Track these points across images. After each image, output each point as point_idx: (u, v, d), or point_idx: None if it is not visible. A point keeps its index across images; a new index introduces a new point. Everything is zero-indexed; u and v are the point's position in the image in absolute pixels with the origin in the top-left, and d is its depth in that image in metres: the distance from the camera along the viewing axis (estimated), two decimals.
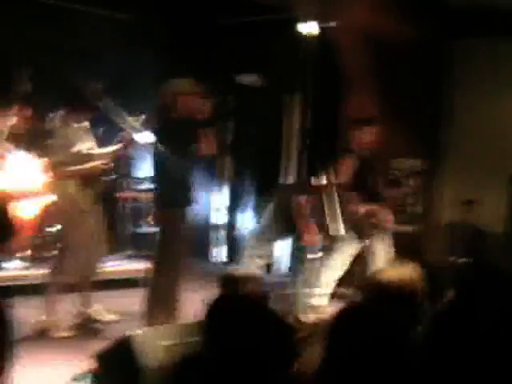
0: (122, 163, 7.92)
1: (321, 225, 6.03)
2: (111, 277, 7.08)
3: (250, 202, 9.31)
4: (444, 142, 8.65)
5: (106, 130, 6.00)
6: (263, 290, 3.95)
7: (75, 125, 5.79)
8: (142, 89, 7.62)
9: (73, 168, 5.73)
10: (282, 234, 6.67)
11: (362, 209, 6.12)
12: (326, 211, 5.84)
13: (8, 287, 6.32)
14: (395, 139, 7.93)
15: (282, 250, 8.42)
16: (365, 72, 7.81)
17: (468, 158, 8.35)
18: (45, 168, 6.62)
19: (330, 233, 6.02)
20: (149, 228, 7.96)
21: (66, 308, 6.01)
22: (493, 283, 2.56)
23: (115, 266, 7.56)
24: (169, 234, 5.74)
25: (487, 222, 7.82)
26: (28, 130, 7.00)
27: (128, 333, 3.23)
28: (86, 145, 5.84)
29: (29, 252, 7.05)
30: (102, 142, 5.98)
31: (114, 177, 6.42)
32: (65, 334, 5.77)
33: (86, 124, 5.87)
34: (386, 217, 6.08)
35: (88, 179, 5.80)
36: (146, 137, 5.72)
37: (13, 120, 6.67)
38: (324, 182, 5.80)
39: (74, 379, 4.10)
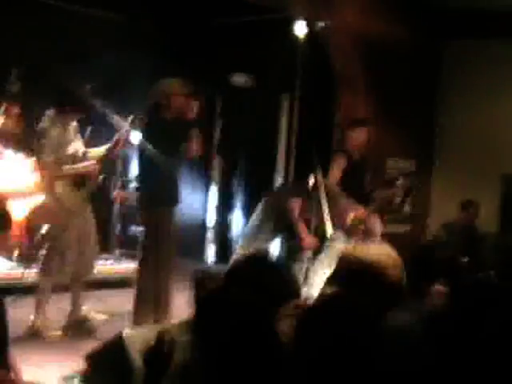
0: (114, 163, 7.92)
1: (309, 224, 6.04)
2: (102, 277, 7.06)
3: (241, 202, 9.30)
4: (436, 142, 8.68)
5: (93, 131, 5.98)
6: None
7: (64, 125, 5.77)
8: (132, 89, 7.62)
9: (64, 168, 5.70)
10: (272, 234, 6.67)
11: (351, 215, 6.13)
12: (315, 211, 5.84)
13: None
14: (388, 140, 7.95)
15: (272, 250, 8.41)
16: (358, 73, 7.82)
17: (460, 158, 8.39)
18: (34, 168, 6.60)
19: (319, 233, 6.03)
20: (139, 228, 7.93)
21: (57, 308, 5.98)
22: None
23: (106, 265, 7.55)
24: (154, 233, 5.74)
25: (479, 221, 7.84)
26: (17, 129, 6.98)
27: (119, 333, 3.21)
28: (75, 145, 5.81)
29: (16, 252, 7.02)
30: (89, 143, 5.97)
31: (104, 177, 6.40)
32: (56, 334, 5.75)
33: (74, 124, 5.85)
34: (375, 223, 6.09)
35: (77, 179, 5.78)
36: (137, 137, 5.72)
37: (1, 119, 6.65)
38: (314, 182, 5.79)
39: (64, 380, 4.08)
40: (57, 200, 5.76)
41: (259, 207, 6.62)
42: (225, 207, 9.48)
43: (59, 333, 5.79)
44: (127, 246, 8.04)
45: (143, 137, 5.66)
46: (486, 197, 7.89)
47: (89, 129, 5.97)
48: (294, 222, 6.24)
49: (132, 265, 7.01)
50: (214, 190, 9.57)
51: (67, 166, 5.71)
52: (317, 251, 6.17)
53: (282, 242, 7.88)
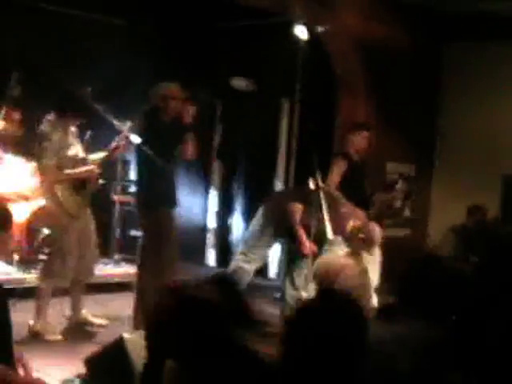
0: (114, 167, 7.93)
1: (309, 230, 6.04)
2: (102, 281, 7.06)
3: (241, 205, 9.30)
4: (436, 145, 8.69)
5: (93, 135, 5.99)
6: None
7: (65, 129, 5.77)
8: (131, 93, 7.62)
9: (65, 172, 5.71)
10: (273, 238, 6.67)
11: (350, 224, 6.13)
12: (315, 215, 5.84)
13: None
14: (388, 143, 7.96)
15: (272, 254, 8.41)
16: (358, 77, 7.82)
17: (460, 162, 8.39)
18: (35, 172, 6.60)
19: (318, 237, 6.03)
20: (139, 232, 7.93)
21: (57, 312, 5.98)
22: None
23: (106, 269, 7.54)
24: (153, 235, 5.76)
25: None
26: (17, 133, 6.98)
27: (119, 337, 3.21)
28: (74, 150, 5.82)
29: (17, 256, 7.01)
30: (88, 147, 5.98)
31: (105, 181, 6.41)
32: (56, 337, 5.75)
33: (73, 129, 5.85)
34: (374, 231, 6.09)
35: (77, 183, 5.78)
36: (136, 140, 5.75)
37: (1, 124, 6.66)
38: (314, 186, 5.80)
39: (64, 383, 4.07)
40: (57, 203, 5.76)
41: (259, 212, 6.62)
42: (225, 211, 9.47)
43: (59, 336, 5.78)
44: (127, 250, 8.04)
45: (141, 139, 5.70)
46: (486, 199, 7.89)
47: (88, 133, 5.98)
48: (295, 226, 6.25)
49: (132, 269, 7.02)
50: (214, 194, 9.57)
51: (68, 170, 5.71)
52: (316, 256, 6.16)
53: (282, 247, 7.89)
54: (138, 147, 5.75)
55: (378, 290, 5.93)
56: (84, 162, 5.84)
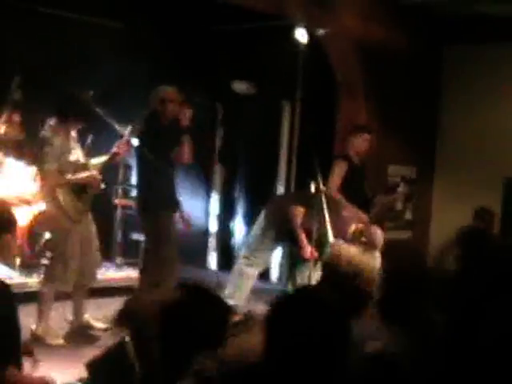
0: (116, 171, 7.93)
1: (310, 234, 6.04)
2: (104, 284, 7.05)
3: (243, 209, 9.30)
4: (437, 148, 8.68)
5: (94, 140, 6.00)
6: None
7: (66, 134, 5.77)
8: (131, 97, 7.61)
9: (67, 176, 5.71)
10: (275, 242, 6.67)
11: (352, 227, 6.13)
12: (316, 218, 5.84)
13: None
14: (389, 146, 7.95)
15: (273, 257, 8.41)
16: (358, 79, 7.82)
17: (461, 164, 8.39)
18: (35, 176, 6.60)
19: (319, 239, 6.03)
20: (141, 235, 7.94)
21: (60, 316, 5.97)
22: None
23: (108, 273, 7.54)
24: (154, 238, 5.76)
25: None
26: (19, 137, 6.99)
27: (120, 340, 3.21)
28: (75, 155, 5.82)
29: (18, 260, 7.00)
30: (90, 152, 5.99)
31: (106, 185, 6.41)
32: (58, 341, 5.75)
33: (74, 134, 5.86)
34: (375, 234, 6.09)
35: (78, 187, 5.78)
36: (136, 143, 5.77)
37: (2, 128, 6.66)
38: (315, 189, 5.80)
39: None
40: (58, 208, 5.76)
41: (261, 215, 6.62)
42: (226, 214, 9.47)
43: (61, 340, 5.78)
44: (129, 254, 8.04)
45: (140, 141, 5.72)
46: (487, 201, 7.87)
47: (89, 138, 5.98)
48: (296, 230, 6.25)
49: (134, 273, 7.01)
50: (215, 198, 9.57)
51: (69, 175, 5.71)
52: (317, 260, 6.16)
53: (284, 250, 7.89)
54: (139, 151, 5.77)
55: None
56: (85, 167, 5.85)
